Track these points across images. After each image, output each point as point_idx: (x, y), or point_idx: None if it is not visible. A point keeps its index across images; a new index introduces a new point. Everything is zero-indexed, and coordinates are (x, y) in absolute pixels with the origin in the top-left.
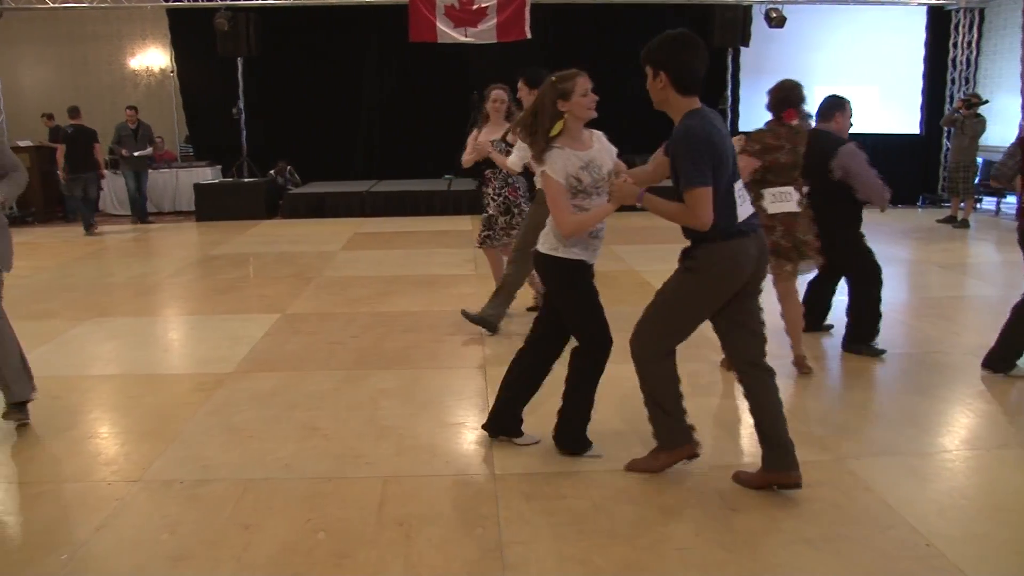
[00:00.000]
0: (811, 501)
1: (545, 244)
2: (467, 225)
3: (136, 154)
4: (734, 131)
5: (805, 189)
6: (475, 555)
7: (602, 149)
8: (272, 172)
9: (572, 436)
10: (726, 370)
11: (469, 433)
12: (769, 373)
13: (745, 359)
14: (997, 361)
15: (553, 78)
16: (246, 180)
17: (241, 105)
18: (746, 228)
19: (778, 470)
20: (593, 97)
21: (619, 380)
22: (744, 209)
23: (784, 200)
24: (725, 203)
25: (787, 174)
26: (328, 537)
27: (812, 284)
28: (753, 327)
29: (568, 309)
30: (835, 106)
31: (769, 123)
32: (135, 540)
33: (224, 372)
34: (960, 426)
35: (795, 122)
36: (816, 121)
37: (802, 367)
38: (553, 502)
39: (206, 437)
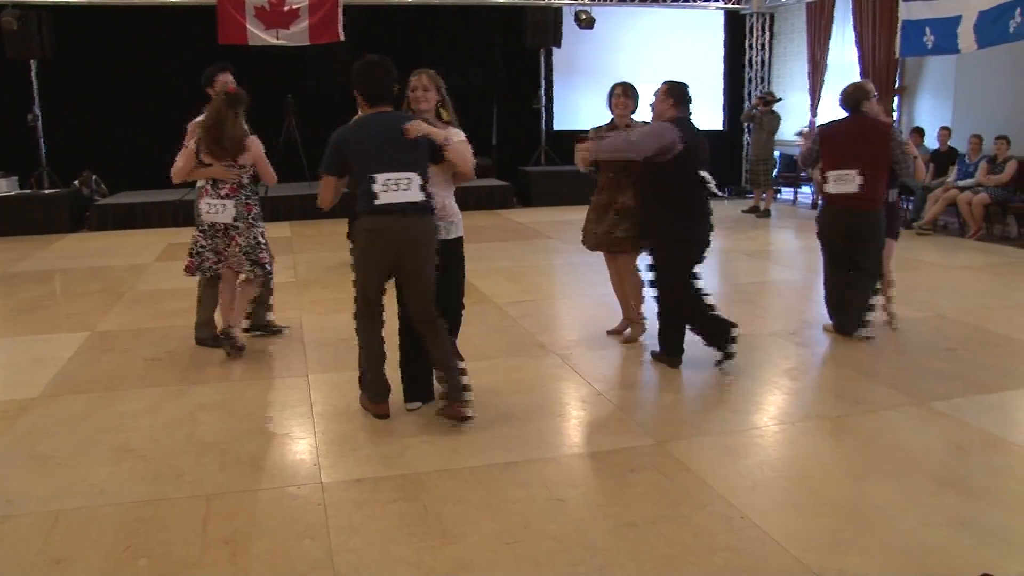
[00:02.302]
0: (635, 485)
1: None
2: (286, 231)
3: None
4: (548, 129)
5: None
6: (305, 567)
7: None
8: (75, 182)
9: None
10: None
11: (295, 443)
12: (437, 323)
13: (416, 316)
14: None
15: None
16: (47, 191)
17: (37, 111)
18: (384, 209)
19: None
20: (419, 95)
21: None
22: (390, 196)
23: None
24: (362, 190)
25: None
26: (150, 563)
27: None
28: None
29: None
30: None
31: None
32: None
33: (28, 397)
34: (768, 403)
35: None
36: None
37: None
38: (383, 507)
39: (9, 469)
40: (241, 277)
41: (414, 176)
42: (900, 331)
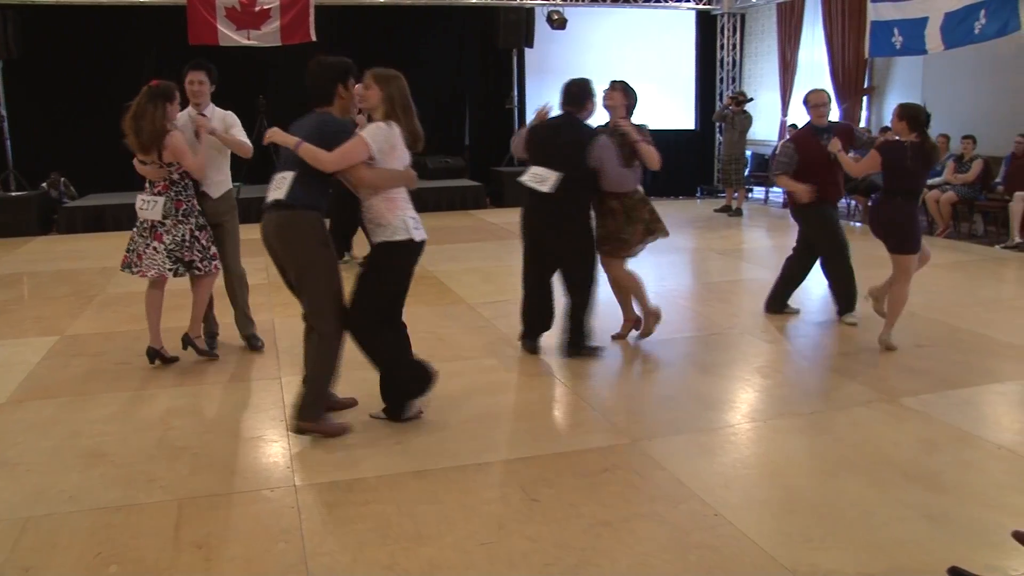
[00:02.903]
0: (609, 484)
1: None
2: (256, 233)
3: None
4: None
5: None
6: (279, 570)
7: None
8: (43, 184)
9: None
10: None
11: (267, 446)
12: (322, 331)
13: (306, 315)
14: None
15: None
16: (14, 194)
17: (3, 112)
18: (263, 208)
19: (312, 421)
20: (360, 94)
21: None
22: (270, 195)
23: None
24: None
25: None
26: (121, 569)
27: None
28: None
29: None
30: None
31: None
32: None
33: None
34: (741, 401)
35: None
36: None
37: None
38: (357, 509)
39: None
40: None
41: (290, 174)
42: (870, 329)
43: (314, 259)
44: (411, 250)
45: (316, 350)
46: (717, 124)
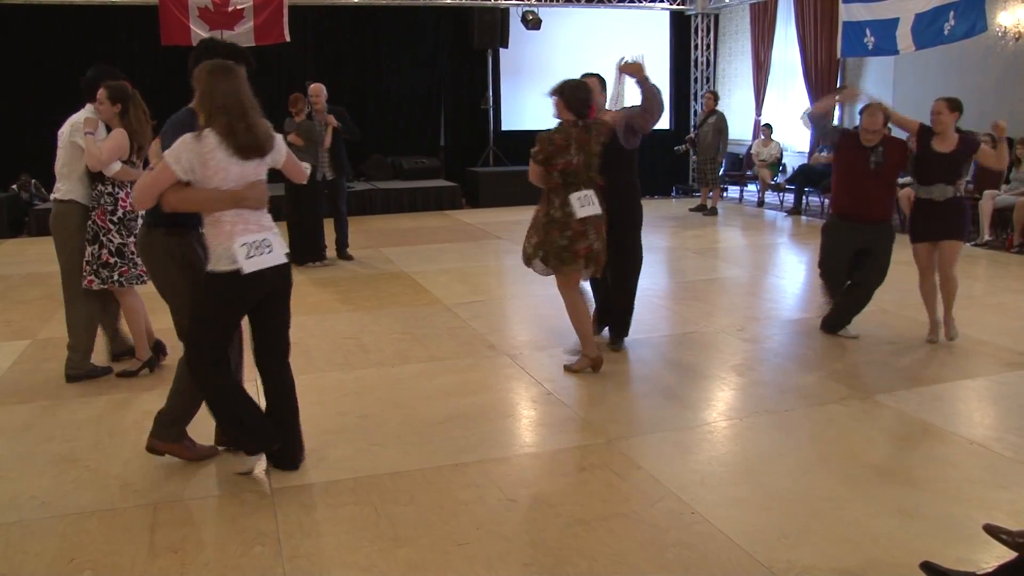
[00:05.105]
0: (586, 484)
1: None
2: None
3: None
4: (496, 130)
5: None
6: (256, 574)
7: None
8: (14, 186)
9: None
10: None
11: None
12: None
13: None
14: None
15: None
16: None
17: None
18: None
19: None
20: None
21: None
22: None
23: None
24: None
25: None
26: (95, 574)
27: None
28: None
29: None
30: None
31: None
32: None
33: None
34: (717, 399)
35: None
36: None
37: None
38: (333, 511)
39: None
40: None
41: None
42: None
43: (174, 282)
44: (238, 283)
45: (181, 369)
46: (692, 141)
